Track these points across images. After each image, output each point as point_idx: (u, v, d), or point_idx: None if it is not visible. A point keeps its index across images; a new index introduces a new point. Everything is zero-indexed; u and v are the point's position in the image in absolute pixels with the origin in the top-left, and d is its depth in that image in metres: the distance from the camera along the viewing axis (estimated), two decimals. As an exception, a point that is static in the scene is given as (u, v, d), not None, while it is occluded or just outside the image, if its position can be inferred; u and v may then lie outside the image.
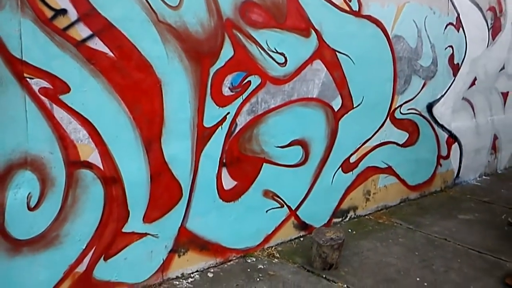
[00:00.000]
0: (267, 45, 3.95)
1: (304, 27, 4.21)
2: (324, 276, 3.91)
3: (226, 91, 3.77)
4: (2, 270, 2.88)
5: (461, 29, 6.09)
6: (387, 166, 5.49)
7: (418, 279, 3.92)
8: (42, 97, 2.89)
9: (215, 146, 3.80)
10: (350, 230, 4.88)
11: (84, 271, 3.25)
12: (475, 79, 6.60)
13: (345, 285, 3.77)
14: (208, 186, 3.83)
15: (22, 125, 2.83)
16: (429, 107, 5.91)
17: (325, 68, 4.47)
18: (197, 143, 3.68)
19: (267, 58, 3.98)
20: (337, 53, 4.54)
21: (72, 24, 2.92)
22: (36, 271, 3.03)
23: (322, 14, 4.33)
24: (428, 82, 5.76)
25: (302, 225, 4.66)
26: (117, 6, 3.10)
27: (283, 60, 4.10)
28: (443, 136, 6.24)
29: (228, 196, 3.97)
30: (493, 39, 6.74)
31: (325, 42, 4.41)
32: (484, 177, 7.20)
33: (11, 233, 2.89)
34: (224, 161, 3.89)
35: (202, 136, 3.70)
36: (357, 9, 4.66)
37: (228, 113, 3.83)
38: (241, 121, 3.93)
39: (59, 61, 2.91)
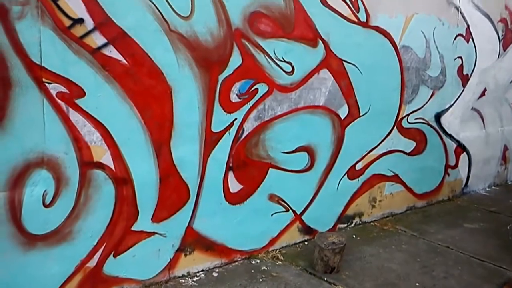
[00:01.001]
0: (275, 54, 4.10)
1: (312, 37, 4.35)
2: (325, 279, 4.02)
3: (234, 98, 3.93)
4: (18, 262, 3.07)
5: (471, 40, 6.18)
6: (393, 174, 5.58)
7: (417, 284, 4.01)
8: (59, 101, 3.08)
9: (222, 151, 3.95)
10: (354, 236, 4.99)
11: (95, 266, 3.42)
12: (485, 89, 6.66)
13: (345, 288, 3.90)
14: (215, 188, 3.98)
15: (39, 126, 3.02)
16: (437, 116, 6.00)
17: (332, 77, 4.60)
18: (205, 147, 3.84)
19: (274, 67, 4.13)
20: (344, 62, 4.67)
21: (88, 33, 3.12)
22: (49, 265, 3.20)
23: (329, 25, 4.47)
24: (437, 92, 5.85)
25: (307, 230, 4.78)
26: (131, 16, 3.28)
27: (290, 69, 4.25)
28: (451, 145, 6.31)
29: (234, 199, 4.12)
30: (504, 50, 6.80)
31: (332, 52, 4.54)
32: (493, 187, 7.23)
33: (27, 228, 3.07)
34: (231, 165, 4.04)
35: (210, 140, 3.86)
36: (365, 20, 4.79)
37: (236, 119, 3.98)
38: (248, 127, 4.08)
39: (75, 67, 3.10)
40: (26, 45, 2.89)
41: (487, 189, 7.13)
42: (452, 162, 6.38)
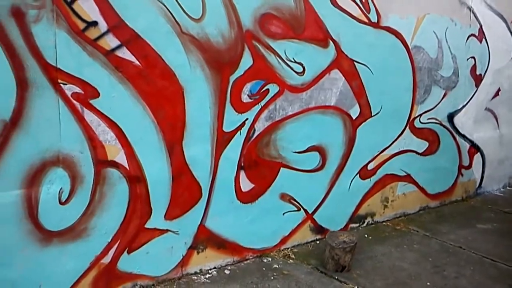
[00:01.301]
0: (286, 55, 4.16)
1: (322, 38, 4.40)
2: (336, 277, 4.05)
3: (245, 98, 3.99)
4: (35, 258, 3.16)
5: (483, 40, 6.15)
6: (406, 174, 5.59)
7: (428, 283, 4.02)
8: (74, 101, 3.17)
9: (234, 150, 4.01)
10: (366, 235, 5.01)
11: (109, 263, 3.50)
12: (499, 90, 6.62)
13: (356, 287, 3.90)
14: (226, 187, 4.04)
15: (55, 126, 3.12)
16: (450, 117, 5.98)
17: (343, 77, 4.64)
18: (217, 147, 3.90)
19: (285, 68, 4.18)
20: (355, 63, 4.71)
21: (102, 35, 3.21)
22: (65, 261, 3.29)
23: (340, 25, 4.51)
24: (449, 92, 5.85)
25: (319, 229, 4.81)
26: (144, 18, 3.36)
27: (301, 70, 4.30)
28: (465, 146, 6.29)
29: (245, 197, 4.17)
30: (519, 50, 6.75)
31: (343, 53, 4.58)
32: (508, 188, 7.19)
33: (43, 225, 3.17)
34: (242, 164, 4.09)
35: (222, 140, 3.92)
36: (376, 21, 4.82)
37: (247, 119, 4.04)
38: (259, 126, 4.14)
39: (90, 69, 3.19)
40: (42, 47, 2.98)
41: (502, 189, 7.09)
42: (465, 162, 6.36)
